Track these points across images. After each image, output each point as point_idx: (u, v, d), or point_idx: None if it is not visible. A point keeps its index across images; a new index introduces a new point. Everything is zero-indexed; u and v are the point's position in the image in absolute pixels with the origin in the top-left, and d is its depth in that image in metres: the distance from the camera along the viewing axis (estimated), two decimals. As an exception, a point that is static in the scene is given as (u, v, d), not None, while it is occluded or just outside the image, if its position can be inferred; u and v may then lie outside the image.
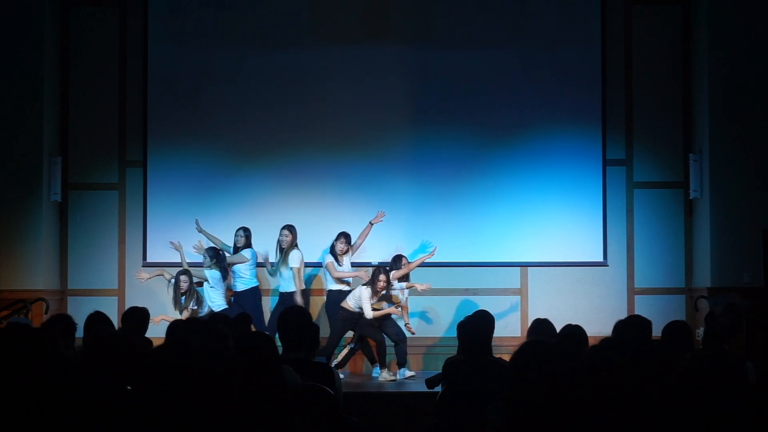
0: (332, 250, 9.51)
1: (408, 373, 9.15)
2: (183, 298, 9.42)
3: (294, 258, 9.47)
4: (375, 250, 9.91)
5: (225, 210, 10.38)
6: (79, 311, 8.17)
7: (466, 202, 10.34)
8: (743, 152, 9.91)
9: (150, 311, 7.13)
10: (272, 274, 9.84)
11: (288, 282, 9.49)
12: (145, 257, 10.46)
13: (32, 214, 10.06)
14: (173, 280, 9.49)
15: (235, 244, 9.75)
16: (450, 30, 10.51)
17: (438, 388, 5.76)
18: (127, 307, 8.12)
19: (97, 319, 6.26)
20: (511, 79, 10.52)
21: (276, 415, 3.49)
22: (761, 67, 9.94)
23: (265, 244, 9.88)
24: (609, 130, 10.52)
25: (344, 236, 9.54)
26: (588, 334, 5.52)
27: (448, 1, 10.55)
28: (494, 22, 10.53)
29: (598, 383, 3.78)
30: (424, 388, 6.33)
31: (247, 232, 9.77)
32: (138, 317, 6.94)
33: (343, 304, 9.11)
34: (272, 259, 9.84)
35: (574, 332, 5.68)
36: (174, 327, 6.39)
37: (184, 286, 9.42)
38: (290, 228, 9.58)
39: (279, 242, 9.56)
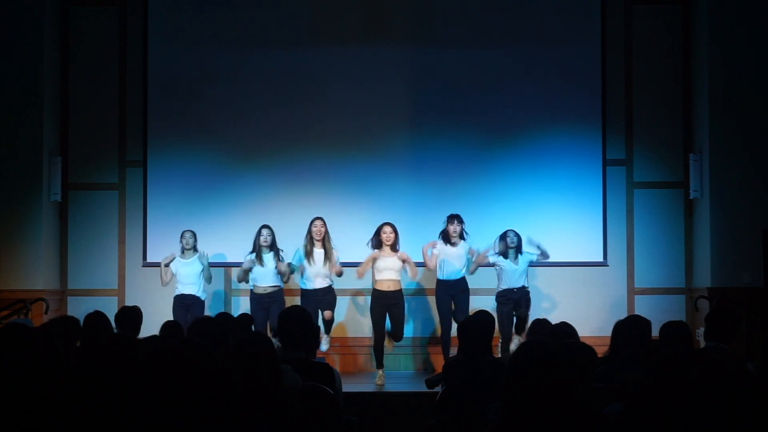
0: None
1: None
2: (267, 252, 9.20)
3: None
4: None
5: (225, 210, 10.39)
6: (79, 311, 8.17)
7: (466, 201, 10.33)
8: (743, 152, 9.91)
9: (148, 311, 7.11)
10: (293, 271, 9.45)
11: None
12: (145, 257, 10.47)
13: (32, 214, 10.06)
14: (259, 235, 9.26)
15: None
16: (450, 30, 10.51)
17: (438, 388, 5.77)
18: (127, 307, 8.11)
19: (97, 319, 6.23)
20: (511, 79, 10.52)
21: (276, 415, 3.49)
22: (761, 67, 9.94)
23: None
24: (609, 130, 10.52)
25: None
26: (588, 334, 5.53)
27: (448, 1, 10.56)
28: (494, 22, 10.54)
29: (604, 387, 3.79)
30: (424, 388, 6.33)
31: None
32: (131, 317, 6.93)
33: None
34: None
35: (563, 330, 5.72)
36: (168, 326, 6.40)
37: (268, 239, 9.21)
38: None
39: (312, 236, 9.19)
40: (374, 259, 9.05)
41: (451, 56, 10.50)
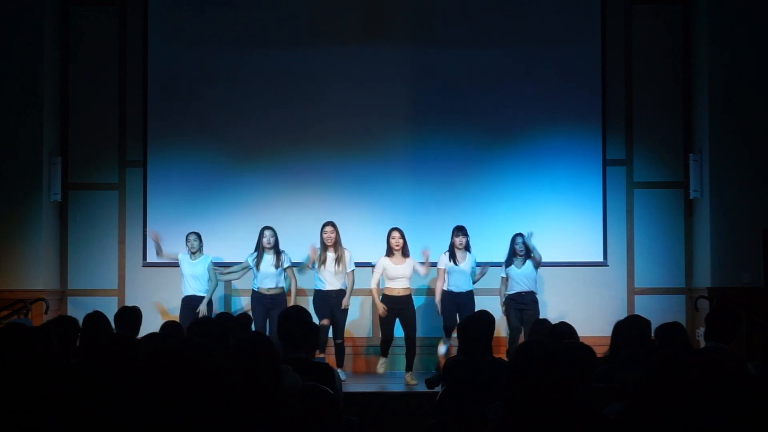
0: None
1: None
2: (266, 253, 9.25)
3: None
4: (375, 250, 9.83)
5: (225, 210, 10.39)
6: (79, 311, 8.17)
7: (466, 202, 10.34)
8: (743, 152, 9.91)
9: (148, 311, 7.11)
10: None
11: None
12: (145, 257, 10.46)
13: (32, 214, 10.06)
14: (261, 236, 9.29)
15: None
16: (450, 30, 10.51)
17: (438, 388, 5.77)
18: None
19: (97, 319, 6.23)
20: (511, 79, 10.52)
21: (276, 415, 3.49)
22: (761, 68, 9.94)
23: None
24: (609, 130, 10.52)
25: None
26: (588, 334, 5.53)
27: (448, 1, 10.56)
28: (494, 22, 10.54)
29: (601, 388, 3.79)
30: (424, 388, 6.33)
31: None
32: (131, 317, 6.92)
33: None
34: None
35: (563, 330, 5.73)
36: (168, 326, 6.40)
37: (271, 240, 9.24)
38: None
39: (324, 240, 9.21)
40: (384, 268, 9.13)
41: (451, 56, 10.50)
